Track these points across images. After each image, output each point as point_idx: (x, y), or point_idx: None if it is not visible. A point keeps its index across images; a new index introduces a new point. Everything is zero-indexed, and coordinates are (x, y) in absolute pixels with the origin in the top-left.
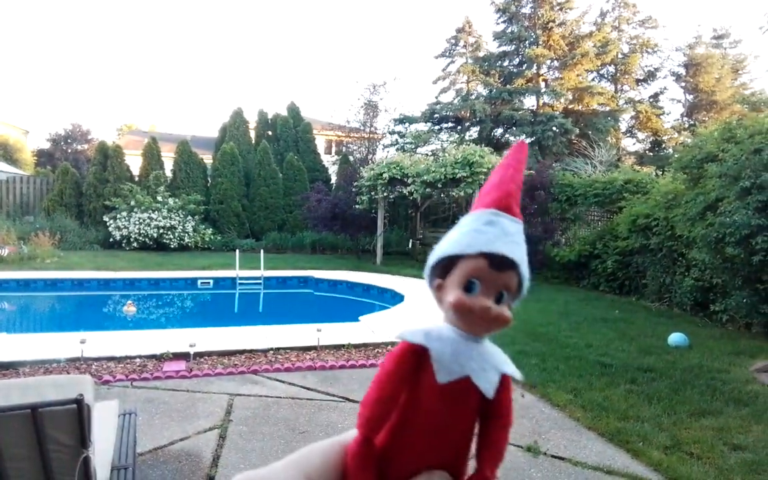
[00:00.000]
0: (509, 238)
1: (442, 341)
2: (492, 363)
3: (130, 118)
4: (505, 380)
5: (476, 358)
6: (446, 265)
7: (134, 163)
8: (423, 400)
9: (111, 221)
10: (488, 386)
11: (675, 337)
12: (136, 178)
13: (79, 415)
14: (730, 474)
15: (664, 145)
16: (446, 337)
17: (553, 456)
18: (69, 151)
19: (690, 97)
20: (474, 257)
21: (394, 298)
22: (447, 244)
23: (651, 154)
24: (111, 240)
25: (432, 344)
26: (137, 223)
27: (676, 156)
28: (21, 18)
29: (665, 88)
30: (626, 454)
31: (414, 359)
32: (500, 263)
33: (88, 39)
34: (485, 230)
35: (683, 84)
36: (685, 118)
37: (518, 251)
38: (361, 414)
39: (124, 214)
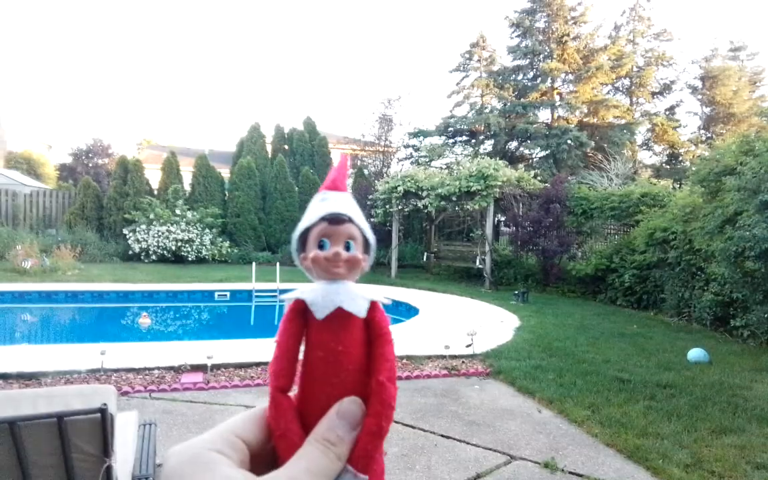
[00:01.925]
0: (339, 202)
1: (314, 291)
2: (360, 294)
3: (149, 132)
4: (375, 305)
5: (344, 292)
6: (303, 240)
7: (153, 176)
8: (315, 341)
9: (130, 234)
10: (359, 309)
11: (695, 353)
12: (156, 192)
13: (102, 424)
14: None
15: (681, 158)
16: (317, 287)
17: (570, 473)
18: (90, 165)
19: (707, 110)
20: (317, 223)
21: (409, 311)
22: (299, 226)
23: (668, 167)
24: (130, 253)
25: (306, 295)
26: (156, 236)
27: (693, 169)
28: (44, 35)
29: (681, 101)
30: (646, 472)
31: (298, 314)
32: (337, 220)
33: (109, 56)
34: (321, 204)
35: (700, 97)
36: (702, 131)
37: (349, 209)
38: (269, 373)
39: (144, 227)
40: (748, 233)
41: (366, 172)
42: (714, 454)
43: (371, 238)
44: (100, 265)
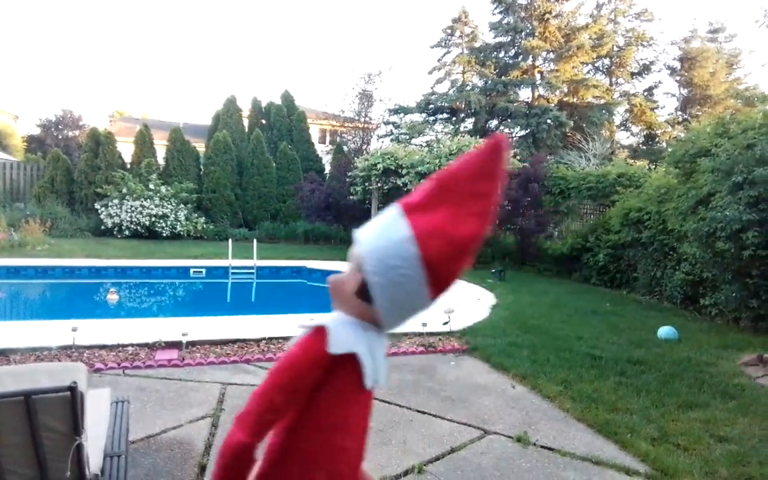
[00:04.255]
0: None
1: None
2: None
3: (122, 104)
4: None
5: None
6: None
7: (126, 150)
8: None
9: (102, 209)
10: None
11: (665, 330)
12: (128, 166)
13: (72, 402)
14: (716, 465)
15: (657, 139)
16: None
17: (542, 446)
18: (60, 137)
19: (684, 91)
20: None
21: None
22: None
23: (644, 147)
24: (102, 228)
25: None
26: (129, 211)
27: (669, 150)
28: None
29: (660, 82)
30: (614, 446)
31: None
32: None
33: (80, 22)
34: None
35: (678, 78)
36: (679, 112)
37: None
38: None
39: (116, 201)
40: (720, 214)
41: (345, 148)
42: (680, 428)
43: None
44: (71, 240)
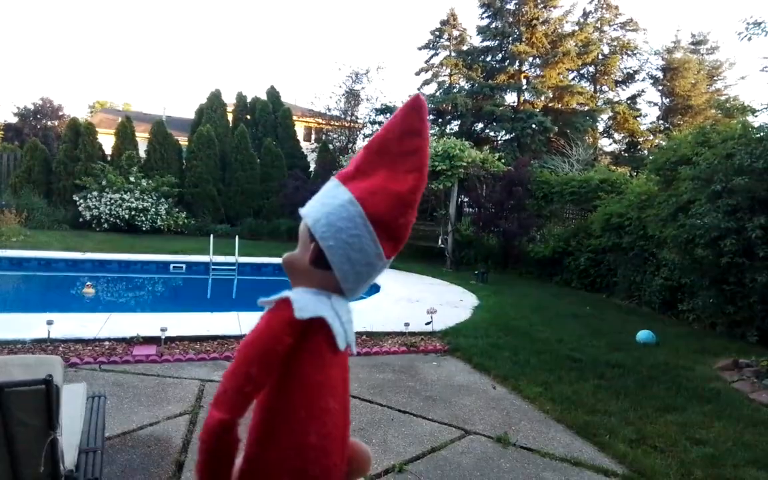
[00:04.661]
0: None
1: None
2: None
3: (103, 95)
4: None
5: None
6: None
7: (107, 142)
8: None
9: (81, 201)
10: None
11: (643, 335)
12: (109, 158)
13: (47, 396)
14: (691, 467)
15: (639, 147)
16: None
17: (522, 447)
18: (38, 126)
19: (666, 101)
20: None
21: (370, 288)
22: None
23: (626, 154)
24: (81, 220)
25: None
26: (108, 203)
27: (651, 158)
28: None
29: (643, 91)
30: (593, 447)
31: None
32: None
33: (62, 8)
34: None
35: (660, 87)
36: (660, 121)
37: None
38: None
39: (95, 194)
40: (699, 221)
41: (331, 146)
42: (657, 431)
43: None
44: (48, 232)
